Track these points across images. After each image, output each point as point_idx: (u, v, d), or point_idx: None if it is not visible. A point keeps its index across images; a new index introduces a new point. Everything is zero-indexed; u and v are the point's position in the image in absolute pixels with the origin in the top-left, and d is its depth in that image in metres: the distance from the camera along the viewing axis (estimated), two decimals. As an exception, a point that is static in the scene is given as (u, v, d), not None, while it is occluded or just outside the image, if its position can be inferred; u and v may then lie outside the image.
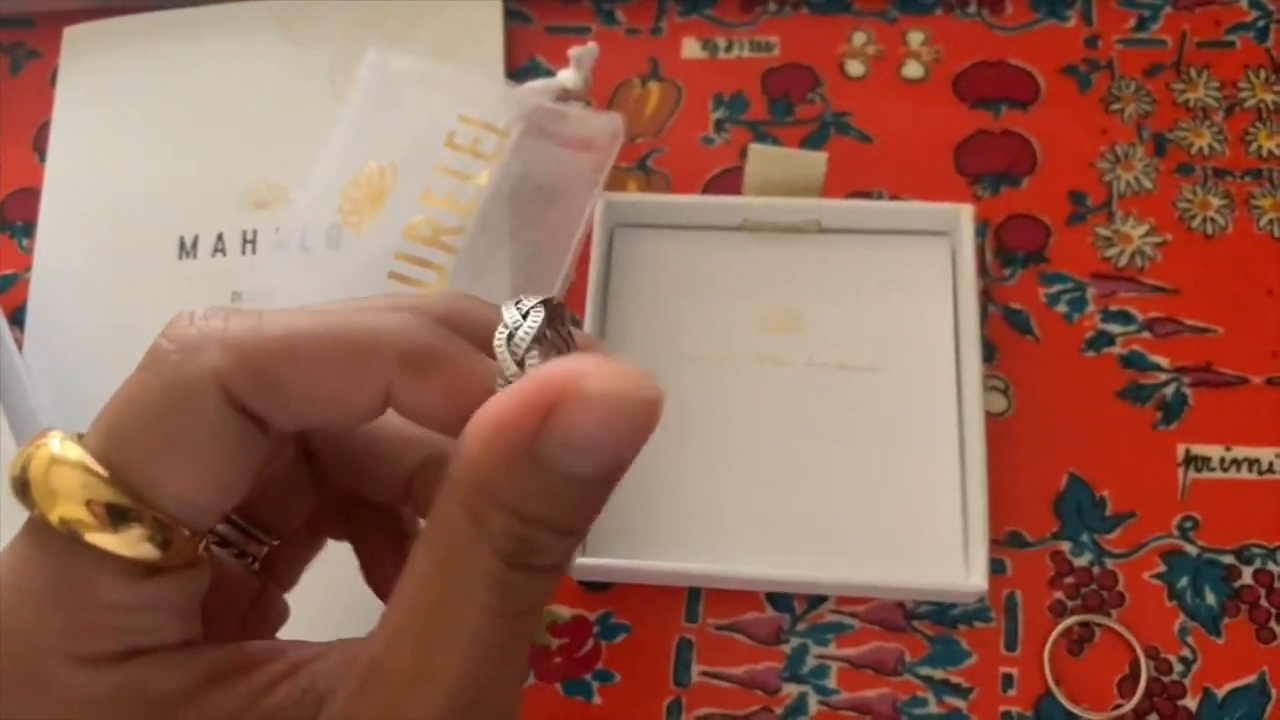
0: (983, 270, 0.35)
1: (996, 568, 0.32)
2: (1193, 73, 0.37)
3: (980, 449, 0.31)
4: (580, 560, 0.30)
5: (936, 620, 0.31)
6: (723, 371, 0.33)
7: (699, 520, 0.32)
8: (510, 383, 0.18)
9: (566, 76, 0.35)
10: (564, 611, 0.32)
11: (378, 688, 0.18)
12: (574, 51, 0.35)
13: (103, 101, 0.39)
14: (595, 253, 0.33)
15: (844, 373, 0.33)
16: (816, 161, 0.33)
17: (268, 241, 0.35)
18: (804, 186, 0.34)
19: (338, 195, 0.34)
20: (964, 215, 0.33)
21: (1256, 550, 0.32)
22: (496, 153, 0.34)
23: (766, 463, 0.32)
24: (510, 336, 0.19)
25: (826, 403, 0.33)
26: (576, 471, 0.17)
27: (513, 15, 0.39)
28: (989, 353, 0.34)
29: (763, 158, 0.34)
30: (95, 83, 0.39)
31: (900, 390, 0.33)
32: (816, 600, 0.32)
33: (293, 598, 0.25)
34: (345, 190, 0.34)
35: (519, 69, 0.39)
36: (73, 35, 0.40)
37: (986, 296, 0.35)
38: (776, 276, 0.34)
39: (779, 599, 0.32)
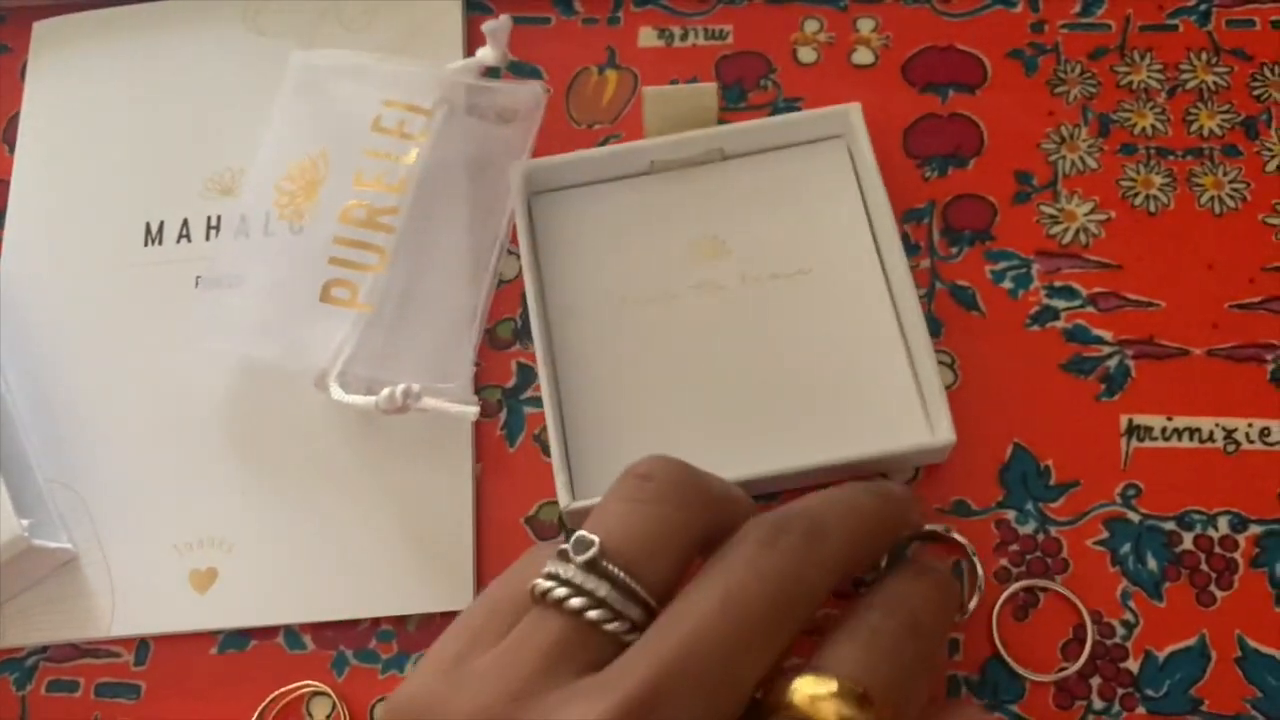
0: (930, 249, 0.36)
1: (943, 536, 0.32)
2: (1136, 56, 0.38)
3: (920, 320, 0.33)
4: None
5: (884, 587, 0.32)
6: (665, 307, 0.35)
7: (669, 449, 0.33)
8: None
9: (485, 53, 0.36)
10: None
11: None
12: (487, 26, 0.36)
13: (71, 93, 0.40)
14: (519, 223, 0.35)
15: (777, 281, 0.35)
16: (708, 92, 0.36)
17: (230, 227, 0.36)
18: (700, 119, 0.36)
19: (272, 190, 0.35)
20: (853, 114, 0.36)
21: (1196, 517, 0.32)
22: (423, 132, 0.35)
23: (725, 381, 0.34)
24: None
25: (768, 312, 0.34)
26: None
27: (473, 6, 0.40)
28: (935, 328, 0.35)
29: (656, 99, 0.36)
30: (64, 75, 0.40)
31: (833, 284, 0.35)
32: (768, 570, 0.33)
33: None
34: (279, 184, 0.35)
35: (479, 59, 0.39)
36: (42, 29, 0.41)
37: (934, 274, 0.36)
38: (694, 208, 0.36)
39: (731, 569, 0.33)
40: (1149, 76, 0.37)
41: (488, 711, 0.22)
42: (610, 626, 0.23)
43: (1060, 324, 0.35)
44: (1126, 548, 0.32)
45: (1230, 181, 0.36)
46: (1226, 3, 0.38)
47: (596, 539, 0.24)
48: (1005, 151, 0.37)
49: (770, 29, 0.39)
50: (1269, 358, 0.34)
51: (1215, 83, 0.37)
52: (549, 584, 0.24)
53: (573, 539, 0.24)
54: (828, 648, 0.24)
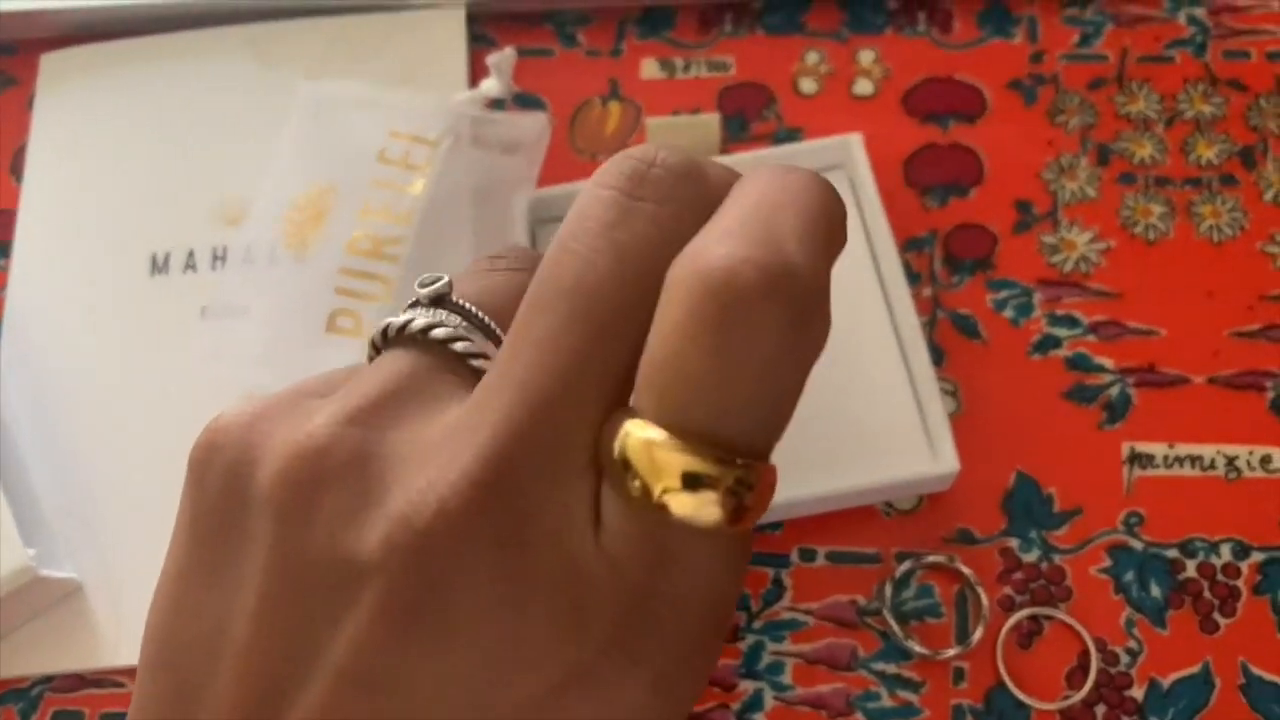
0: (932, 278, 0.36)
1: (947, 565, 0.32)
2: (1134, 86, 0.38)
3: (922, 348, 0.33)
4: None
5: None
6: None
7: None
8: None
9: (489, 85, 0.36)
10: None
11: None
12: (492, 59, 0.36)
13: (79, 124, 0.40)
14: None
15: None
16: (710, 123, 0.36)
17: (237, 257, 0.36)
18: (703, 149, 0.36)
19: (279, 220, 0.35)
20: (854, 144, 0.36)
21: (1199, 544, 0.32)
22: (428, 163, 0.35)
23: None
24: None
25: None
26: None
27: (477, 38, 0.41)
28: (938, 356, 0.35)
29: (660, 130, 0.37)
30: (71, 107, 0.40)
31: (835, 313, 0.34)
32: (773, 598, 0.33)
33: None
34: (286, 215, 0.35)
35: (484, 90, 0.40)
36: (50, 61, 0.41)
37: (935, 303, 0.36)
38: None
39: (739, 602, 0.33)
40: (1147, 107, 0.38)
41: (284, 464, 0.18)
42: (459, 346, 0.20)
43: (1062, 352, 0.35)
44: (1130, 575, 0.32)
45: (1228, 211, 0.36)
46: (1222, 34, 0.39)
47: (445, 276, 0.21)
48: (1005, 181, 0.37)
49: (772, 61, 0.40)
50: (1269, 385, 0.34)
51: (1212, 113, 0.38)
52: (392, 319, 0.20)
53: (417, 280, 0.21)
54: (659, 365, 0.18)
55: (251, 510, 0.19)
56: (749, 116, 0.39)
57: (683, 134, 0.37)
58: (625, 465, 0.17)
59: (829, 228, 0.20)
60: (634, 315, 0.18)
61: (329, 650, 0.18)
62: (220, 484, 0.19)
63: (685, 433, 0.17)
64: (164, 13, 0.40)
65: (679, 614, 0.18)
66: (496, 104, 0.38)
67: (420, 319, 0.20)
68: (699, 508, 0.17)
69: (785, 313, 0.17)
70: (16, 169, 0.40)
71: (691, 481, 0.17)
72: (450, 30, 0.40)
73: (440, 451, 0.18)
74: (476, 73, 0.40)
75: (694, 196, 0.19)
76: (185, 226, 0.38)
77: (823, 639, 0.32)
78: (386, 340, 0.21)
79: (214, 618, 0.19)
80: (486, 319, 0.21)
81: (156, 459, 0.35)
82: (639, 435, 0.17)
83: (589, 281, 0.18)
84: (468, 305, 0.21)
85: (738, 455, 0.17)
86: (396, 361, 0.20)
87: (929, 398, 0.33)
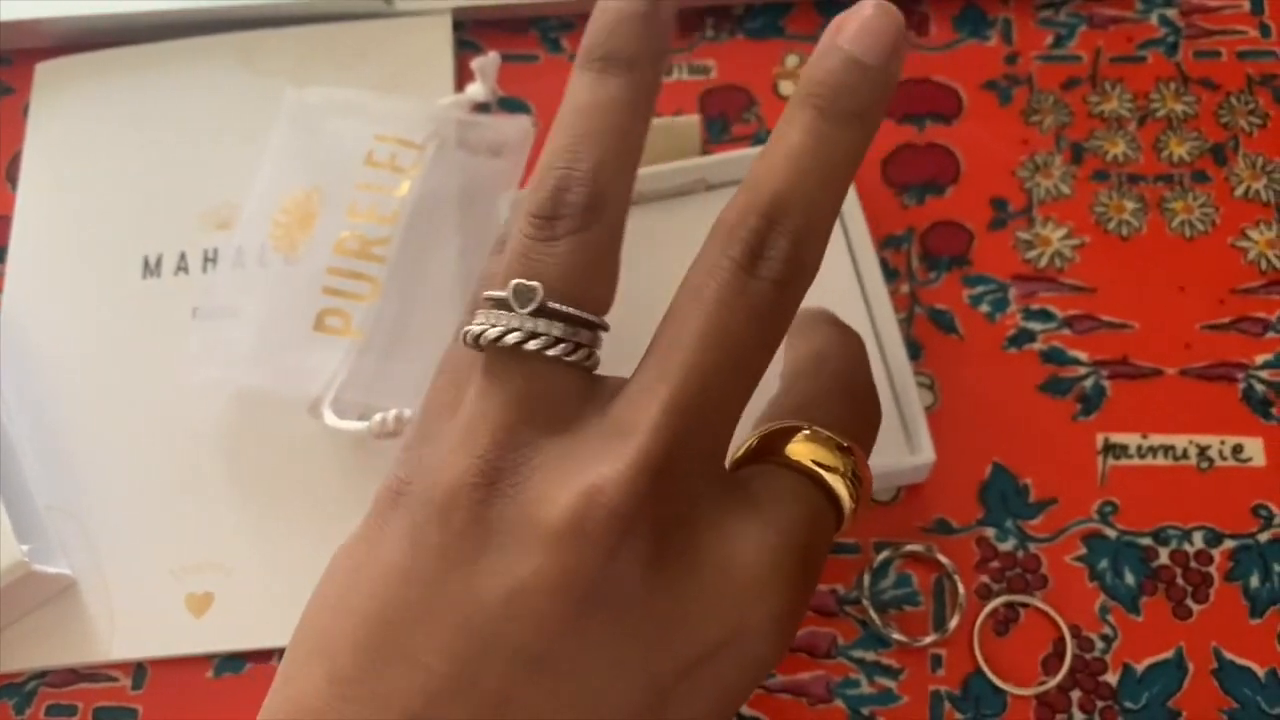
0: (909, 274, 0.37)
1: (925, 554, 0.33)
2: (1107, 86, 0.39)
3: (898, 343, 0.34)
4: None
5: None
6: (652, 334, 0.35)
7: None
8: None
9: (474, 89, 0.37)
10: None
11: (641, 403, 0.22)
12: (477, 63, 0.37)
13: (73, 132, 0.41)
14: None
15: None
16: (691, 125, 0.36)
17: (227, 259, 0.37)
18: (684, 151, 0.36)
19: (268, 222, 0.36)
20: None
21: (1172, 532, 0.33)
22: (415, 166, 0.36)
23: None
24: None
25: None
26: (859, 54, 0.22)
27: (463, 44, 0.41)
28: (915, 351, 0.36)
29: None
30: (66, 115, 0.41)
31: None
32: (753, 589, 0.33)
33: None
34: (274, 217, 0.36)
35: (470, 95, 0.41)
36: (44, 70, 0.42)
37: (913, 299, 0.36)
38: (678, 238, 0.36)
39: (717, 588, 0.33)
40: (1120, 106, 0.39)
41: (453, 491, 0.21)
42: (574, 357, 0.22)
43: (1037, 346, 0.35)
44: (1104, 563, 0.33)
45: (1200, 206, 0.37)
46: (1194, 34, 0.39)
47: (538, 285, 0.22)
48: (981, 179, 0.38)
49: (752, 64, 0.40)
50: (1239, 376, 0.35)
51: (1184, 111, 0.38)
52: (498, 331, 0.22)
53: (511, 289, 0.22)
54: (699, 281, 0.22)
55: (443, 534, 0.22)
56: (730, 119, 0.40)
57: (664, 136, 0.37)
58: (786, 461, 0.23)
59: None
60: (752, 368, 0.22)
61: (508, 632, 0.20)
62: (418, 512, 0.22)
63: (828, 438, 0.23)
64: (155, 21, 0.41)
65: (813, 577, 0.22)
66: (481, 108, 0.39)
67: (532, 341, 0.22)
68: (839, 485, 0.23)
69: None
70: (12, 175, 0.41)
71: (828, 468, 0.23)
72: (436, 36, 0.40)
73: (601, 452, 0.21)
74: (462, 78, 0.41)
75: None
76: (177, 230, 0.39)
77: (803, 627, 0.33)
78: (494, 346, 0.22)
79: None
80: (586, 315, 0.22)
81: (149, 457, 0.36)
82: (799, 436, 0.23)
83: (730, 329, 0.22)
84: (567, 309, 0.22)
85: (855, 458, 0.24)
86: (511, 374, 0.22)
87: (906, 391, 0.33)
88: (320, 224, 0.36)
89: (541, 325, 0.22)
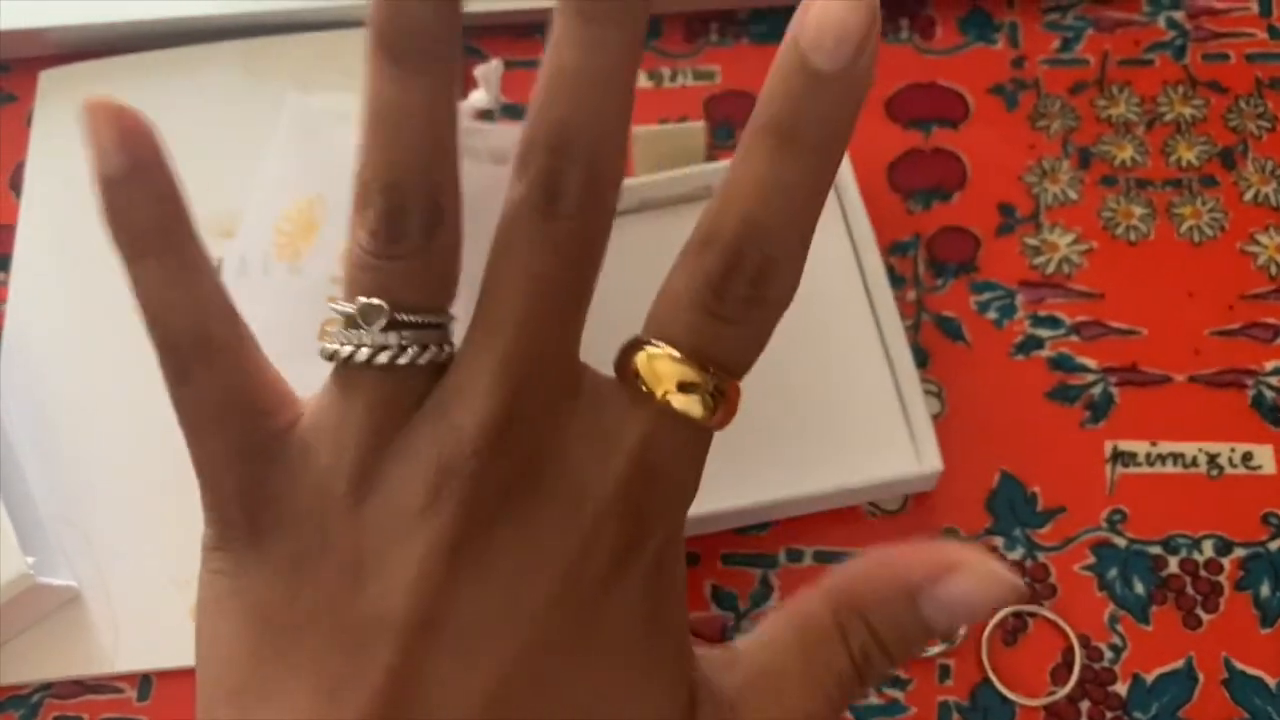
0: (916, 281, 0.37)
1: (932, 563, 0.33)
2: (1115, 90, 0.39)
3: (905, 351, 0.34)
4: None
5: (875, 614, 0.33)
6: None
7: None
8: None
9: (478, 97, 0.37)
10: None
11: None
12: (480, 71, 0.37)
13: (76, 140, 0.41)
14: None
15: None
16: (696, 131, 0.36)
17: (231, 268, 0.37)
18: (689, 157, 0.36)
19: (271, 231, 0.35)
20: None
21: (1181, 541, 0.33)
22: None
23: None
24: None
25: None
26: (934, 620, 0.23)
27: (467, 50, 0.41)
28: (922, 358, 0.35)
29: (646, 138, 0.37)
30: (69, 123, 0.41)
31: (820, 317, 0.35)
32: (760, 598, 0.33)
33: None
34: (278, 225, 0.35)
35: (473, 101, 0.40)
36: (47, 78, 0.42)
37: (919, 306, 0.36)
38: (682, 244, 0.36)
39: (723, 598, 0.33)
40: (1128, 110, 0.38)
41: (320, 519, 0.22)
42: (424, 359, 0.22)
43: (1045, 353, 0.35)
44: (1113, 572, 0.33)
45: (1209, 211, 0.37)
46: (1201, 37, 0.39)
47: (383, 304, 0.22)
48: (988, 185, 0.38)
49: (757, 69, 0.40)
50: (1249, 383, 0.34)
51: (1192, 115, 0.38)
52: (348, 350, 0.22)
53: (358, 308, 0.22)
54: (664, 305, 0.23)
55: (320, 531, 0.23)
56: (735, 124, 0.39)
57: (669, 142, 0.37)
58: (635, 375, 0.22)
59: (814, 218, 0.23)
60: (574, 304, 0.23)
61: (395, 610, 0.22)
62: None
63: (680, 353, 0.22)
64: (157, 29, 0.41)
65: (665, 488, 0.23)
66: (485, 115, 0.38)
67: (382, 354, 0.22)
68: (689, 404, 0.22)
69: (751, 289, 0.22)
70: (15, 183, 0.41)
71: (683, 387, 0.22)
72: (492, 65, 0.40)
73: (444, 424, 0.22)
74: (465, 84, 0.41)
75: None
76: (180, 239, 0.38)
77: (810, 638, 0.33)
78: (344, 365, 0.23)
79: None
80: (434, 319, 0.23)
81: (153, 468, 0.36)
82: (646, 354, 0.22)
83: (541, 271, 0.22)
84: (416, 319, 0.23)
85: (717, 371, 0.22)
86: (365, 392, 0.23)
87: (913, 399, 0.33)
88: (323, 233, 0.35)
89: (391, 338, 0.22)
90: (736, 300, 0.22)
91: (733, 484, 0.32)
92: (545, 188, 0.22)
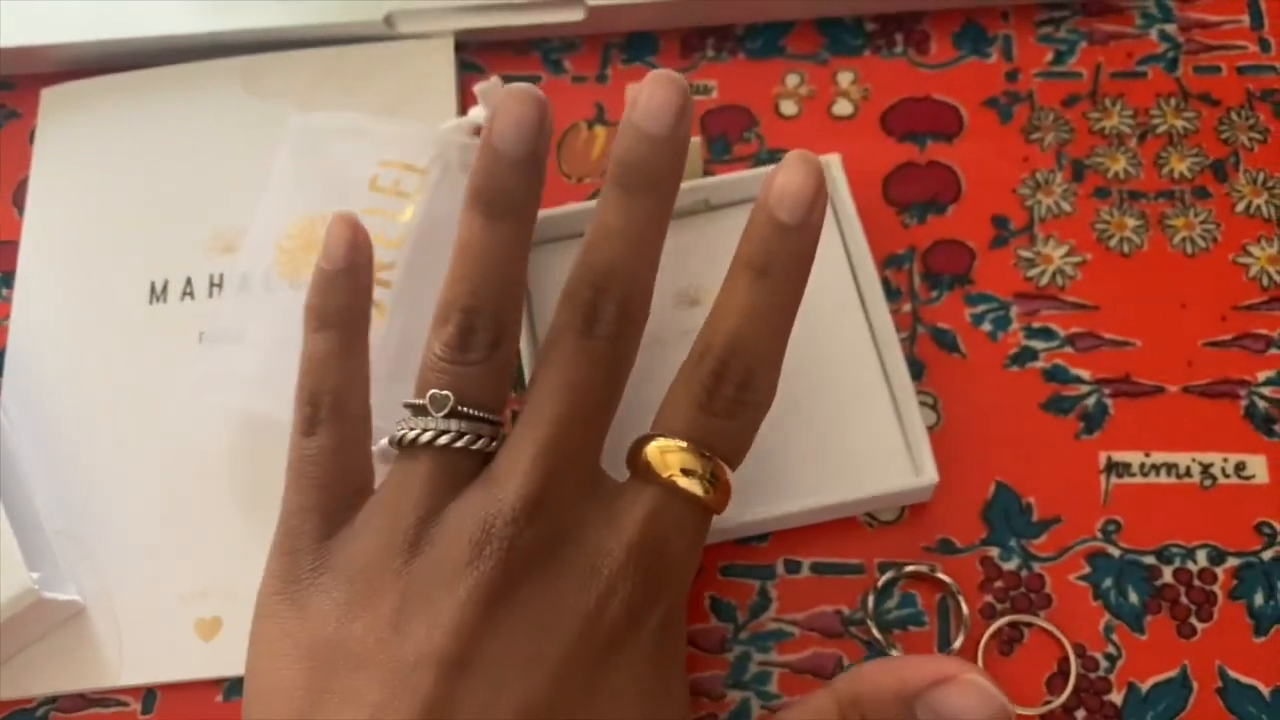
0: (911, 293, 0.37)
1: (928, 574, 0.33)
2: (1107, 102, 0.39)
3: (901, 364, 0.34)
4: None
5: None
6: (654, 354, 0.34)
7: None
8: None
9: (476, 112, 0.37)
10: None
11: None
12: (479, 87, 0.37)
13: (78, 157, 0.41)
14: None
15: None
16: (693, 145, 0.37)
17: (233, 284, 0.37)
18: (686, 171, 0.37)
19: (273, 248, 0.36)
20: (833, 165, 0.37)
21: (1176, 550, 0.33)
22: (419, 190, 0.36)
23: None
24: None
25: None
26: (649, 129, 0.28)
27: (465, 66, 0.42)
28: (918, 370, 0.36)
29: None
30: (71, 139, 0.42)
31: (816, 330, 0.35)
32: (759, 609, 0.33)
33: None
34: (280, 243, 0.36)
35: (472, 116, 0.41)
36: (50, 95, 0.42)
37: (915, 318, 0.37)
38: (681, 258, 0.36)
39: (722, 609, 0.34)
40: (1120, 122, 0.39)
41: (380, 565, 0.26)
42: (479, 445, 0.28)
43: (1039, 364, 0.36)
44: (1108, 582, 0.33)
45: (1201, 223, 0.37)
46: (1193, 50, 0.39)
47: (449, 394, 0.28)
48: (982, 197, 0.38)
49: (753, 83, 0.40)
50: (1242, 393, 0.35)
51: (1184, 127, 0.38)
52: (415, 433, 0.28)
53: (428, 398, 0.28)
54: (669, 408, 0.28)
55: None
56: (731, 138, 0.40)
57: None
58: (646, 465, 0.27)
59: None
60: (603, 409, 0.29)
61: (432, 646, 0.25)
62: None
63: (684, 443, 0.28)
64: (159, 46, 0.41)
65: (671, 559, 0.27)
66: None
67: (442, 437, 0.28)
68: (691, 484, 0.27)
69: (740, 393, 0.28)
70: (19, 200, 0.41)
71: (686, 472, 0.27)
72: (439, 59, 0.41)
73: (489, 496, 0.27)
74: (465, 100, 0.41)
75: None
76: (183, 254, 0.39)
77: (808, 649, 0.33)
78: (410, 446, 0.28)
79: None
80: (490, 416, 0.28)
81: (156, 483, 0.36)
82: (653, 446, 0.28)
83: (577, 380, 0.28)
84: (474, 412, 0.28)
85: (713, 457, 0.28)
86: (419, 464, 0.28)
87: (909, 412, 0.34)
88: (324, 250, 0.36)
89: (452, 425, 0.28)
90: (726, 400, 0.28)
91: (733, 500, 0.32)
92: (586, 316, 0.28)
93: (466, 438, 0.27)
